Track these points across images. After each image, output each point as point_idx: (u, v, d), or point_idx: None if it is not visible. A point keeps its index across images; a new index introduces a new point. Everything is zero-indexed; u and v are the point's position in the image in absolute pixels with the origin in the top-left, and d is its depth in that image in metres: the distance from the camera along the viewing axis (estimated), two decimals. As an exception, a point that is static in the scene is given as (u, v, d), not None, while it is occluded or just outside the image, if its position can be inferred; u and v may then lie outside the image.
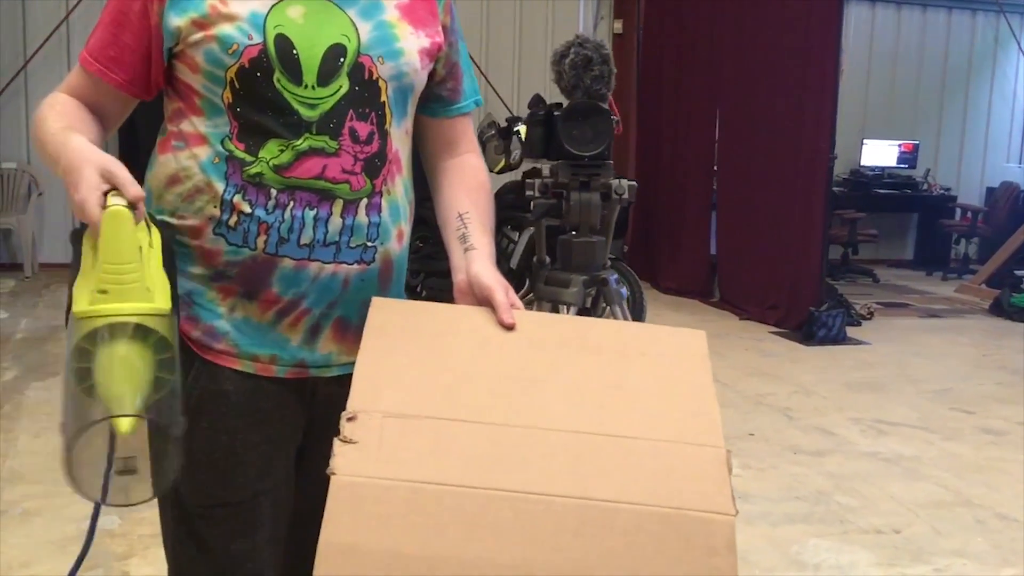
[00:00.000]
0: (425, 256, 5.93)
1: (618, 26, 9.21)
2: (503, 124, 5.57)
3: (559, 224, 2.67)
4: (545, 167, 2.35)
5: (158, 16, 1.38)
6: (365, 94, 1.44)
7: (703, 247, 7.96)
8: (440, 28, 1.54)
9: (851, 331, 6.74)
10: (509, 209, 5.95)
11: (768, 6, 7.10)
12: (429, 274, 6.11)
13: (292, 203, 1.40)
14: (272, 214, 1.39)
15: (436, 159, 1.64)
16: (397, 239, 1.52)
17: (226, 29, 1.37)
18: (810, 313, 6.51)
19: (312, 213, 1.41)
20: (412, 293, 6.01)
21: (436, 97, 1.58)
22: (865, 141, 10.24)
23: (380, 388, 1.28)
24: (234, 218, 1.40)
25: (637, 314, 5.56)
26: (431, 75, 1.55)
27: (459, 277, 1.48)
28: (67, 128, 1.38)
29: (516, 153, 5.49)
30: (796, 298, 6.76)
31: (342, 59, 1.42)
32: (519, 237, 5.79)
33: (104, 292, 1.17)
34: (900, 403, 5.13)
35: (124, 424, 1.17)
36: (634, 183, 2.29)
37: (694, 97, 8.00)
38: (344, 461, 1.20)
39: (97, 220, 1.20)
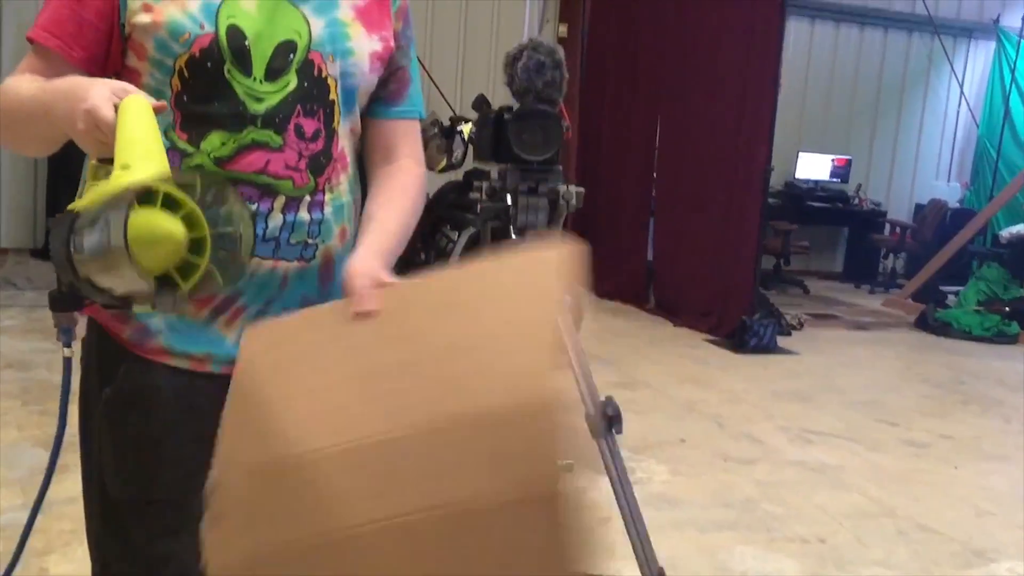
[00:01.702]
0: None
1: (563, 30, 9.23)
2: (446, 123, 5.55)
3: (502, 227, 2.66)
4: (493, 170, 2.34)
5: None
6: (313, 91, 1.43)
7: (640, 253, 8.02)
8: (392, 33, 1.53)
9: (782, 341, 6.85)
10: (450, 208, 5.94)
11: (712, 17, 7.19)
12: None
13: None
14: (209, 208, 1.36)
15: (374, 165, 1.59)
16: (339, 237, 1.50)
17: (176, 16, 1.34)
18: (742, 322, 6.60)
19: (252, 208, 1.38)
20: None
21: (378, 98, 1.55)
22: (800, 154, 10.42)
23: (243, 438, 1.20)
24: None
25: (577, 322, 5.58)
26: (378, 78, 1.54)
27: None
28: (47, 82, 1.30)
29: (458, 152, 5.47)
30: (729, 306, 6.85)
31: (292, 55, 1.41)
32: (459, 237, 5.76)
33: (127, 167, 1.09)
34: (827, 413, 5.23)
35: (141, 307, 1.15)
36: (581, 189, 2.29)
37: (636, 104, 8.06)
38: (215, 545, 1.16)
39: (111, 118, 1.13)
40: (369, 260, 1.36)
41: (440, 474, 1.09)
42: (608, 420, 2.16)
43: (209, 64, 1.36)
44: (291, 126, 1.40)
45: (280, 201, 1.41)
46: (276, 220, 1.41)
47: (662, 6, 7.73)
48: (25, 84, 1.33)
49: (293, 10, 1.41)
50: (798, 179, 10.48)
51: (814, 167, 10.54)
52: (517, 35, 9.24)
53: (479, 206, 2.27)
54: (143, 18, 1.34)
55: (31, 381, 4.46)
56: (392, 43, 1.53)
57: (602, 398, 2.23)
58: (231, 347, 1.42)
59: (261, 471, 1.16)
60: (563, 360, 1.15)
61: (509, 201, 2.33)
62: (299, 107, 1.41)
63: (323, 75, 1.43)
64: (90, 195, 1.12)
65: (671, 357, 6.28)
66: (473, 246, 5.76)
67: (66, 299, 1.22)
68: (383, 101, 1.57)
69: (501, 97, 9.14)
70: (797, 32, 10.39)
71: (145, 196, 1.09)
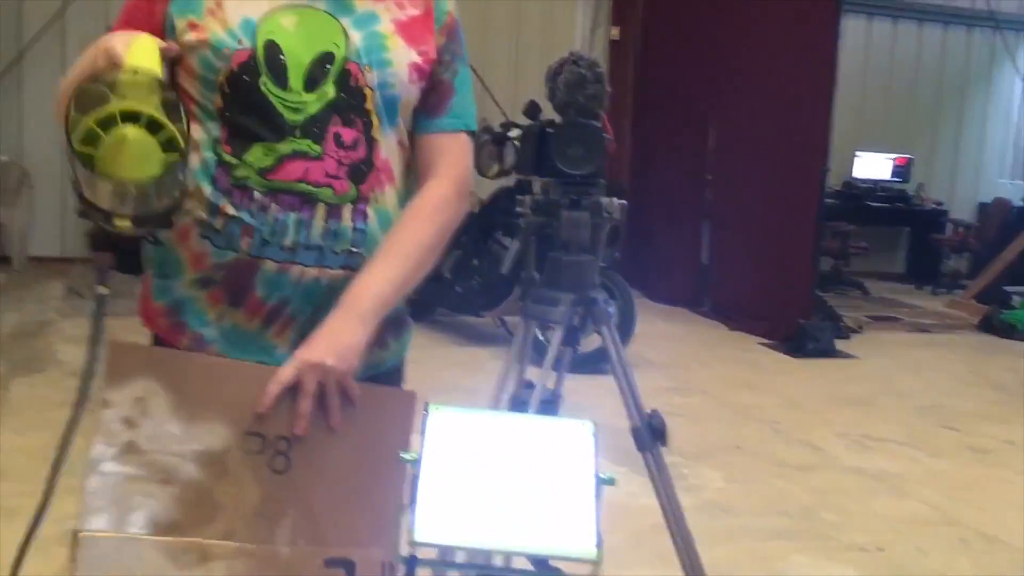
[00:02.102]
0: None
1: (615, 33, 9.21)
2: (497, 129, 5.57)
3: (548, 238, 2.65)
4: (537, 183, 2.34)
5: (163, 14, 1.43)
6: (351, 101, 1.46)
7: (694, 257, 7.96)
8: (435, 47, 1.54)
9: (840, 344, 6.75)
10: (502, 215, 5.95)
11: (766, 17, 7.11)
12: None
13: (275, 206, 1.42)
14: (256, 217, 1.42)
15: (422, 181, 1.58)
16: None
17: (218, 34, 1.41)
18: (799, 325, 6.52)
19: (295, 216, 1.42)
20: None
21: (419, 110, 1.56)
22: (858, 153, 10.26)
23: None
24: (220, 221, 1.42)
25: (627, 324, 5.56)
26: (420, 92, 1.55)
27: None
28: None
29: (510, 158, 5.49)
30: (786, 310, 6.76)
31: (329, 65, 1.44)
32: (511, 242, 5.78)
33: (123, 97, 1.19)
34: (887, 419, 5.14)
35: (121, 223, 1.23)
36: (624, 202, 2.28)
37: (689, 106, 8.00)
38: None
39: (121, 53, 1.24)
40: (321, 345, 1.37)
41: None
42: (654, 433, 2.14)
43: (246, 78, 1.41)
44: (329, 135, 1.44)
45: (321, 209, 1.43)
46: (318, 228, 1.43)
47: (715, 7, 7.66)
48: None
49: (333, 23, 1.45)
50: (856, 179, 10.31)
51: (873, 166, 10.37)
52: (569, 39, 9.23)
53: (523, 221, 2.27)
54: (189, 37, 1.41)
55: (98, 390, 4.56)
56: (433, 55, 1.54)
57: (648, 410, 2.21)
58: (281, 356, 1.44)
59: None
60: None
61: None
62: (337, 116, 1.44)
63: (359, 85, 1.46)
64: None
65: (726, 362, 6.22)
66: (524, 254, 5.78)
67: (100, 239, 1.29)
68: (424, 113, 1.57)
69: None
70: (854, 30, 10.23)
71: (128, 116, 1.19)
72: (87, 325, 1.34)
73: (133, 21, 1.43)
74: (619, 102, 9.11)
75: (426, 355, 5.36)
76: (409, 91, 1.51)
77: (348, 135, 1.45)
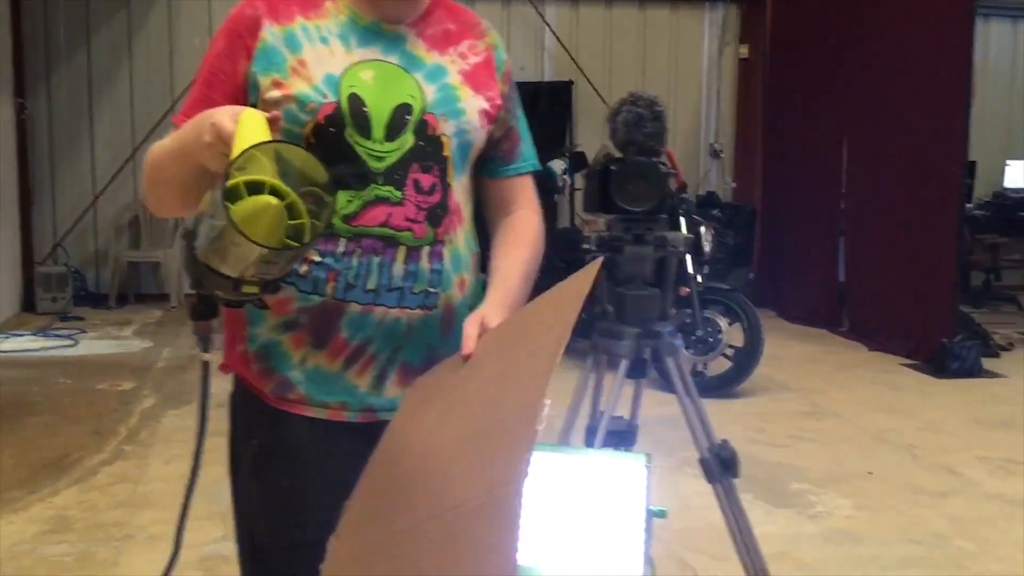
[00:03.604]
0: None
1: (744, 51, 9.12)
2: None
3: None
4: (602, 220, 2.40)
5: (245, 73, 1.51)
6: (429, 149, 1.54)
7: (831, 274, 7.75)
8: (499, 93, 1.63)
9: (988, 363, 6.43)
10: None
11: (896, 26, 6.91)
12: None
13: (359, 250, 1.49)
14: (340, 261, 1.49)
15: (495, 218, 1.71)
16: (458, 287, 1.59)
17: (304, 89, 1.48)
18: (942, 344, 6.26)
19: (377, 259, 1.50)
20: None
21: (492, 158, 1.66)
22: (1008, 162, 9.78)
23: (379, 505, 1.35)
24: (304, 267, 1.50)
25: (753, 347, 5.48)
26: (489, 137, 1.63)
27: None
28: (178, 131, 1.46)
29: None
30: (928, 328, 6.51)
31: (408, 116, 1.52)
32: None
33: (241, 169, 1.22)
34: (1035, 441, 4.88)
35: (249, 290, 1.29)
36: (690, 235, 2.31)
37: (821, 121, 7.83)
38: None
39: (231, 129, 1.26)
40: (485, 311, 1.47)
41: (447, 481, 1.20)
42: (723, 464, 2.13)
43: (332, 129, 1.49)
44: (409, 181, 1.52)
45: (402, 252, 1.52)
46: (399, 270, 1.51)
47: (845, 21, 7.49)
48: (166, 140, 1.50)
49: (408, 78, 1.54)
50: (1008, 188, 9.83)
51: (1026, 175, 9.86)
52: (696, 58, 9.20)
53: (586, 257, 2.32)
54: (275, 94, 1.49)
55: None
56: (499, 102, 1.62)
57: (719, 441, 2.20)
58: (364, 395, 1.54)
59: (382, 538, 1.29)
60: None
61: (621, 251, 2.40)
62: (416, 163, 1.52)
63: (437, 133, 1.54)
64: (206, 199, 1.29)
65: (863, 384, 6.04)
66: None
67: (202, 308, 1.36)
68: (499, 160, 1.67)
69: (682, 122, 9.10)
70: (999, 34, 9.81)
71: (252, 187, 1.21)
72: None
73: (215, 81, 1.52)
74: (749, 121, 9.02)
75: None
76: (480, 136, 1.60)
77: (426, 181, 1.53)
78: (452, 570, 1.08)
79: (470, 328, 1.43)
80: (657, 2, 9.05)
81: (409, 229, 1.51)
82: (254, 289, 1.29)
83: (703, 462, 2.28)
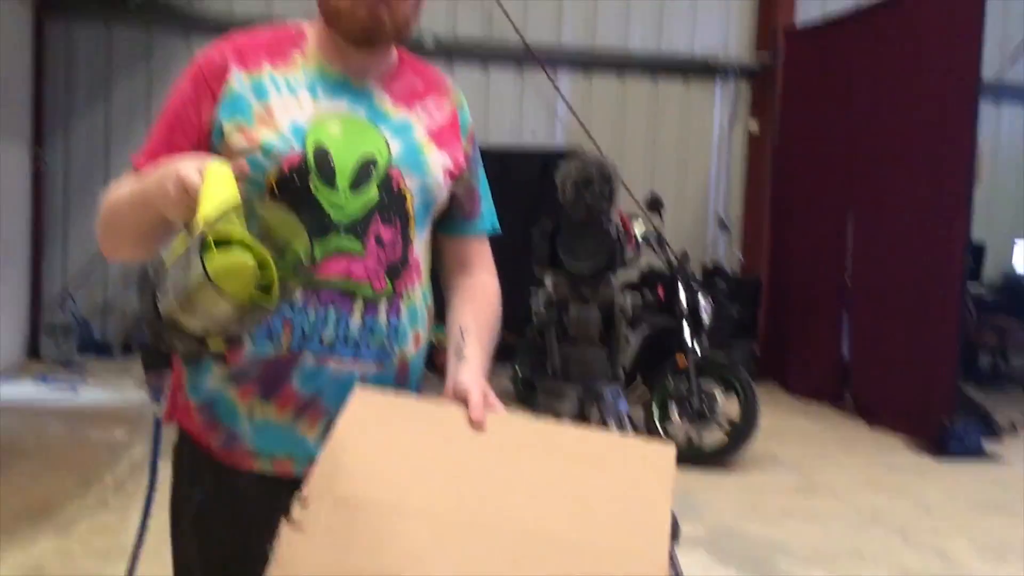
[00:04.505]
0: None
1: (754, 126, 9.19)
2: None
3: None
4: (549, 280, 2.41)
5: (209, 119, 1.51)
6: (392, 203, 1.55)
7: (834, 349, 7.71)
8: (463, 152, 1.65)
9: (990, 446, 6.35)
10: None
11: (902, 107, 6.96)
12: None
13: (316, 301, 1.49)
14: (297, 312, 1.49)
15: (451, 277, 1.71)
16: (414, 342, 1.60)
17: (270, 138, 1.49)
18: (942, 424, 6.19)
19: (334, 311, 1.50)
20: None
21: (453, 216, 1.68)
22: (1017, 241, 9.74)
23: (339, 473, 1.33)
24: None
25: (748, 419, 5.44)
26: (451, 195, 1.65)
27: (448, 385, 1.52)
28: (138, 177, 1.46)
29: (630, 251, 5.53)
30: (929, 407, 6.43)
31: (373, 170, 1.53)
32: (633, 335, 5.78)
33: (207, 219, 1.21)
34: (1031, 527, 4.79)
35: (216, 345, 1.27)
36: (639, 300, 2.32)
37: (828, 196, 7.85)
38: (289, 552, 1.26)
39: (197, 182, 1.26)
40: (479, 377, 1.49)
41: None
42: None
43: (297, 178, 1.50)
44: (371, 234, 1.53)
45: (360, 305, 1.52)
46: (356, 323, 1.51)
47: (852, 98, 7.55)
48: (124, 185, 1.51)
49: (374, 131, 1.55)
50: (1017, 271, 9.78)
51: (1036, 256, 9.81)
52: (707, 131, 9.28)
53: (535, 316, 2.33)
54: (239, 141, 1.49)
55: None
56: (463, 162, 1.64)
57: None
58: (312, 447, 1.52)
59: (350, 504, 1.30)
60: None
61: (568, 309, 2.40)
62: (379, 216, 1.53)
63: (401, 188, 1.55)
64: (172, 248, 1.27)
65: (861, 461, 5.96)
66: (649, 346, 5.77)
67: (156, 359, 1.34)
68: (459, 219, 1.69)
69: (691, 195, 9.13)
70: (1010, 117, 9.86)
71: (221, 242, 1.21)
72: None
73: (179, 125, 1.52)
74: (758, 194, 9.06)
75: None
76: (443, 193, 1.62)
77: (387, 234, 1.54)
78: None
79: (475, 395, 1.43)
80: (669, 75, 9.16)
81: (368, 282, 1.52)
82: (220, 346, 1.28)
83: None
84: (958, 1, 6.44)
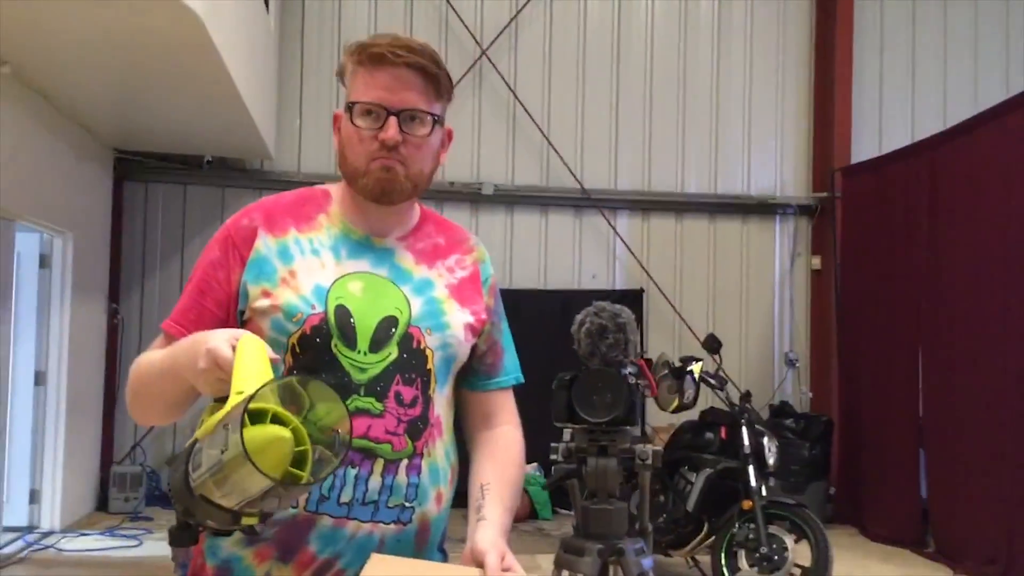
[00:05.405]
0: None
1: (816, 262, 9.13)
2: (676, 364, 5.56)
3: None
4: (567, 432, 2.37)
5: (237, 282, 1.55)
6: (412, 361, 1.55)
7: (912, 490, 7.38)
8: (484, 307, 1.65)
9: (1087, 591, 5.95)
10: (686, 449, 5.84)
11: (966, 236, 6.85)
12: None
13: None
14: None
15: (474, 430, 1.70)
16: (435, 501, 1.56)
17: (291, 300, 1.52)
18: (1032, 569, 5.83)
19: (354, 472, 1.48)
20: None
21: (476, 371, 1.67)
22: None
23: None
24: None
25: (822, 566, 5.19)
26: (473, 350, 1.65)
27: (467, 546, 1.49)
28: (169, 347, 1.49)
29: (690, 392, 5.43)
30: (1017, 552, 6.08)
31: (393, 329, 1.54)
32: (696, 478, 5.63)
33: (242, 393, 1.21)
34: None
35: (249, 520, 1.25)
36: (659, 448, 2.26)
37: (896, 330, 7.68)
38: None
39: (229, 356, 1.28)
40: (499, 539, 1.46)
41: None
42: None
43: (318, 340, 1.51)
44: (391, 393, 1.52)
45: (379, 464, 1.50)
46: (375, 483, 1.49)
47: (914, 230, 7.47)
48: (155, 353, 1.54)
49: (395, 290, 1.57)
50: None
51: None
52: (768, 268, 9.24)
53: (552, 468, 2.29)
54: (263, 303, 1.53)
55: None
56: (484, 316, 1.65)
57: None
58: None
59: None
60: None
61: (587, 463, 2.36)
62: (399, 375, 1.53)
63: (422, 347, 1.56)
64: (206, 424, 1.27)
65: (945, 610, 5.62)
66: (713, 488, 5.60)
67: (183, 534, 1.32)
68: (482, 374, 1.68)
69: (755, 332, 9.04)
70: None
71: (254, 415, 1.21)
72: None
73: (208, 289, 1.57)
74: (824, 330, 8.91)
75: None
76: (464, 350, 1.62)
77: (408, 393, 1.53)
78: None
79: (492, 558, 1.41)
80: (727, 215, 9.21)
81: (388, 442, 1.51)
82: (253, 520, 1.26)
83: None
84: (1016, 130, 6.41)
